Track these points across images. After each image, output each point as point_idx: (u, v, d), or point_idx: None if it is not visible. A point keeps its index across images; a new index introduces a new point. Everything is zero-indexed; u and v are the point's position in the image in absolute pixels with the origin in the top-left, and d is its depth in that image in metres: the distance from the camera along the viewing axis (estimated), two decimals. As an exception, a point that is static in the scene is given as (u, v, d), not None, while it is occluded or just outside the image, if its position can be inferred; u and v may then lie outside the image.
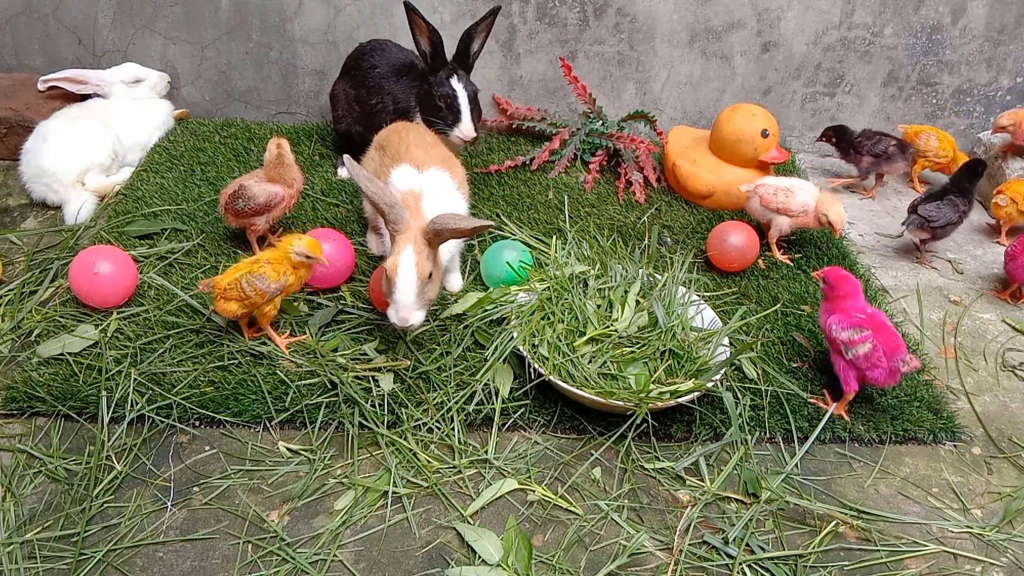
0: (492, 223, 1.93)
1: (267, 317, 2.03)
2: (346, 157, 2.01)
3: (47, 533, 1.64)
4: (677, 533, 1.75)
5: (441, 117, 2.56)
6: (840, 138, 3.12)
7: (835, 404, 2.06)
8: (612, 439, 1.94)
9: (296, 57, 3.18)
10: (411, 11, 2.47)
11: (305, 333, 2.12)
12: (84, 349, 2.03)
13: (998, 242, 2.92)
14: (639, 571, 1.68)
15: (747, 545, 1.72)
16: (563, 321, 2.09)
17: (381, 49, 2.80)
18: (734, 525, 1.75)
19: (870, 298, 2.47)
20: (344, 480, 1.80)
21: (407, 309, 1.91)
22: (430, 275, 1.93)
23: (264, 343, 2.08)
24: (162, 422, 1.89)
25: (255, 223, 2.34)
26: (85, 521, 1.66)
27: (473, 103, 2.58)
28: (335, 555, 1.64)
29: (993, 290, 2.68)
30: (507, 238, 2.51)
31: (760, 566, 1.69)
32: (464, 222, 1.90)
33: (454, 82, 2.55)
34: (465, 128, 2.55)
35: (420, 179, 2.17)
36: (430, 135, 2.43)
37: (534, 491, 1.82)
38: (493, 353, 2.04)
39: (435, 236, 1.91)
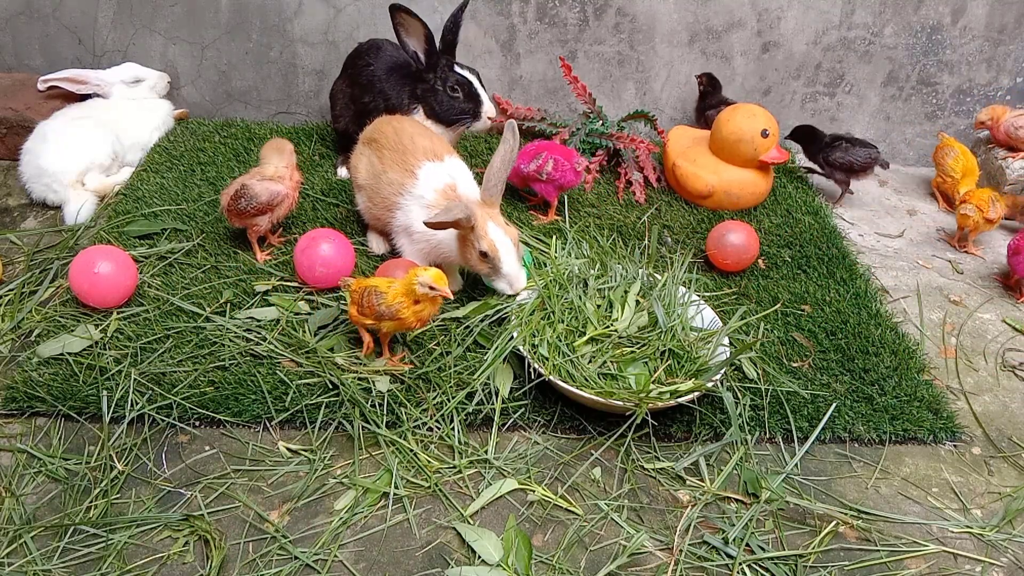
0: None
1: (384, 335, 2.02)
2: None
3: (47, 533, 1.64)
4: (677, 533, 1.75)
5: (460, 108, 2.51)
6: (712, 85, 3.23)
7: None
8: (612, 439, 1.94)
9: (296, 57, 3.18)
10: (399, 11, 2.42)
11: (408, 362, 2.08)
12: (84, 349, 2.03)
13: (966, 251, 2.90)
14: (639, 571, 1.68)
15: (747, 545, 1.72)
16: (563, 321, 2.09)
17: (377, 48, 2.79)
18: (734, 525, 1.75)
19: (869, 298, 2.48)
20: (344, 480, 1.80)
21: (517, 276, 2.13)
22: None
23: (262, 341, 2.07)
24: (163, 420, 1.89)
25: (257, 223, 2.34)
26: (85, 521, 1.66)
27: (482, 85, 2.55)
28: (335, 555, 1.65)
29: (997, 275, 2.72)
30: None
31: (760, 566, 1.69)
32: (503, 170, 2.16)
33: (458, 69, 2.51)
34: (488, 108, 2.51)
35: (447, 169, 2.26)
36: (421, 124, 2.43)
37: (534, 491, 1.82)
38: (493, 353, 2.04)
39: (495, 200, 2.15)
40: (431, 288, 1.89)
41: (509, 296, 2.17)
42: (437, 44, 2.55)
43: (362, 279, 2.01)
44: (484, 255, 2.10)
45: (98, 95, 2.96)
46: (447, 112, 2.55)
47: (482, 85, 2.55)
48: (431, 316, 1.97)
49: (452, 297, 1.95)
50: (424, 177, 2.25)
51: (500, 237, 2.10)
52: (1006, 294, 2.67)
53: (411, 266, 2.21)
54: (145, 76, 3.01)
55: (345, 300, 2.14)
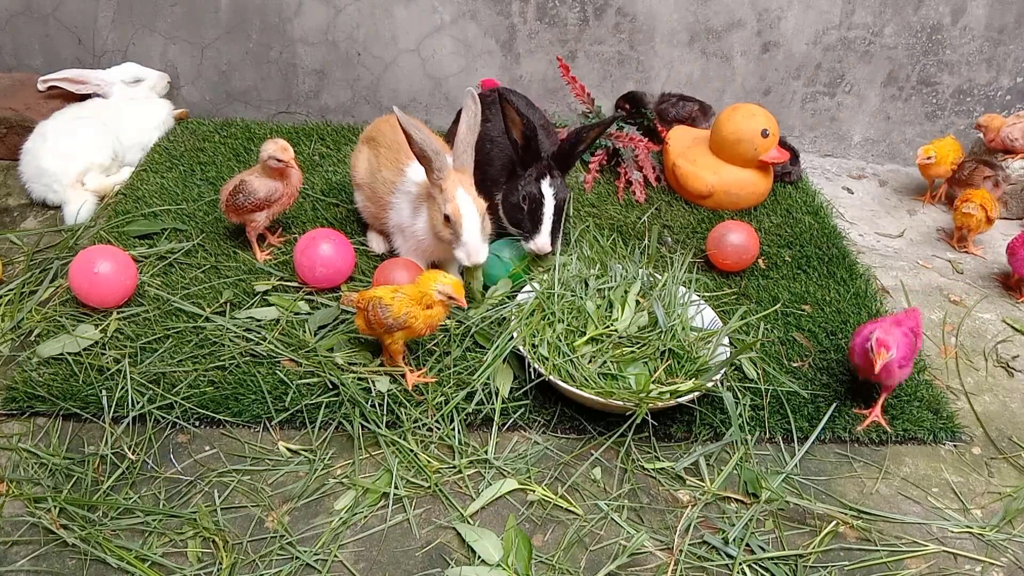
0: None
1: (389, 350, 1.98)
2: (396, 109, 2.09)
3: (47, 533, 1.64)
4: (677, 533, 1.75)
5: (517, 220, 2.30)
6: (634, 106, 3.18)
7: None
8: (612, 439, 1.94)
9: (296, 57, 3.18)
10: (505, 102, 2.23)
11: (431, 374, 2.04)
12: (84, 349, 2.03)
13: (967, 251, 2.90)
14: (639, 571, 1.68)
15: (747, 545, 1.72)
16: (563, 321, 2.09)
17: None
18: (734, 525, 1.75)
19: (870, 298, 2.48)
20: (344, 480, 1.80)
21: (477, 247, 2.09)
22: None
23: (262, 341, 2.07)
24: (164, 418, 1.89)
25: (255, 219, 2.34)
26: (85, 520, 1.66)
27: (559, 212, 2.28)
28: (335, 555, 1.65)
29: (997, 275, 2.73)
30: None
31: (760, 566, 1.69)
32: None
33: (544, 184, 2.26)
34: (540, 242, 2.26)
35: None
36: (417, 122, 2.42)
37: (534, 491, 1.82)
38: (493, 353, 2.04)
39: (466, 168, 2.14)
40: (450, 298, 1.88)
41: (466, 267, 2.14)
42: (545, 147, 2.32)
43: (364, 291, 1.98)
44: (447, 219, 2.08)
45: (98, 95, 2.96)
46: (506, 214, 2.35)
47: (558, 213, 2.27)
48: (440, 320, 1.95)
49: (466, 306, 1.95)
50: (412, 173, 2.26)
51: (467, 203, 2.07)
52: (1006, 294, 2.67)
53: (410, 265, 2.21)
54: (145, 76, 3.01)
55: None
